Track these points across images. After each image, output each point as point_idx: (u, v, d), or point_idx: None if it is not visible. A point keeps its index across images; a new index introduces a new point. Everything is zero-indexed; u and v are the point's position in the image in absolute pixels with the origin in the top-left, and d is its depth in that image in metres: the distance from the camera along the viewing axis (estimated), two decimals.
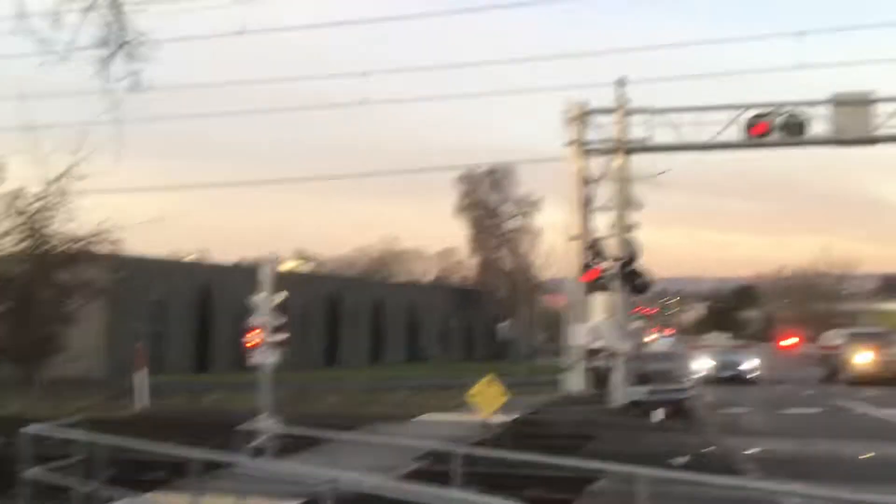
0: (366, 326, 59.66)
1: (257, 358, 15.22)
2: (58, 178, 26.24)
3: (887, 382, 33.24)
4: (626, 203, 23.70)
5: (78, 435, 11.16)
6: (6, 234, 27.09)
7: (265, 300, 15.16)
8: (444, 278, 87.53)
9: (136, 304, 39.26)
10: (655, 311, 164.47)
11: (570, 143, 24.64)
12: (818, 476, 12.36)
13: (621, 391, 21.79)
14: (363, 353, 58.33)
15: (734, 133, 23.68)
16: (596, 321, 24.21)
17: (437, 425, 19.25)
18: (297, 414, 18.80)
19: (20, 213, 27.05)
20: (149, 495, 11.25)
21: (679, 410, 22.17)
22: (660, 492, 8.42)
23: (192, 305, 44.59)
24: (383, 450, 13.46)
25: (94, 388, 27.42)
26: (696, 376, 34.95)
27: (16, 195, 26.96)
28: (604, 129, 24.51)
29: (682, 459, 14.12)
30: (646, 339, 32.92)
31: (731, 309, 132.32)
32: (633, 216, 23.95)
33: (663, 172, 23.49)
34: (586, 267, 23.91)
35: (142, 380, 24.09)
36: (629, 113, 24.10)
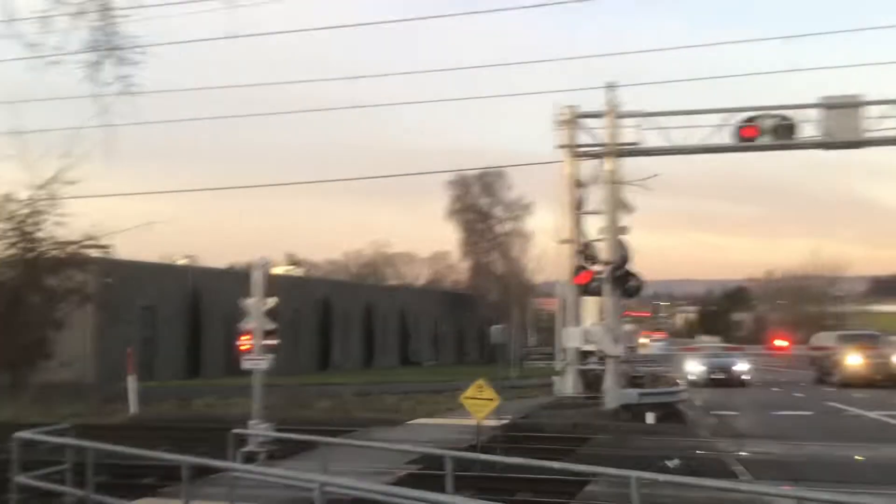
0: (358, 330, 59.57)
1: (249, 363, 15.17)
2: (47, 183, 26.11)
3: (878, 384, 33.39)
4: (617, 206, 23.71)
5: (69, 441, 11.11)
6: None
7: (256, 305, 15.11)
8: (435, 282, 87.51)
9: (127, 309, 39.03)
10: (647, 314, 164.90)
11: (561, 146, 24.64)
12: (810, 478, 12.38)
13: (613, 394, 21.80)
14: (355, 357, 58.24)
15: (724, 136, 23.72)
16: (588, 324, 24.22)
17: (429, 429, 19.23)
18: (289, 419, 18.77)
19: (9, 218, 26.91)
20: (140, 501, 11.20)
21: (671, 413, 22.21)
22: (652, 494, 8.43)
23: (183, 310, 44.43)
24: (376, 454, 13.43)
25: (85, 394, 27.29)
26: (687, 379, 35.04)
27: (5, 200, 26.84)
28: (595, 132, 24.54)
29: (674, 462, 14.14)
30: (638, 343, 32.92)
31: (723, 311, 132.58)
32: (625, 219, 23.95)
33: (654, 176, 23.52)
34: (578, 270, 23.92)
35: (132, 385, 24.00)
36: (620, 116, 24.12)
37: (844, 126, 23.34)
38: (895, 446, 16.59)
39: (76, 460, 10.77)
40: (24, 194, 26.45)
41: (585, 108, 24.90)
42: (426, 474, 12.06)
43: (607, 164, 24.00)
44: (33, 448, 12.05)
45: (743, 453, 15.57)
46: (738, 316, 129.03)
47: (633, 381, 24.38)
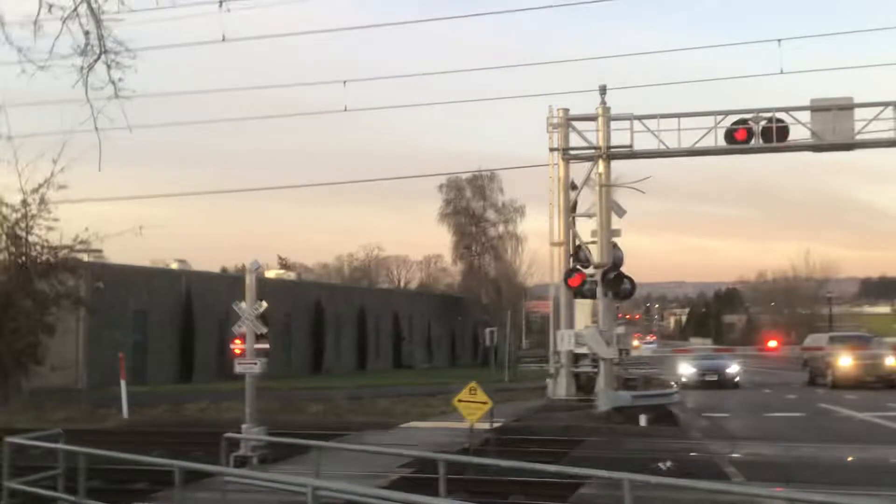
0: (350, 334, 59.50)
1: (241, 367, 15.14)
2: (38, 188, 26.05)
3: (869, 385, 33.51)
4: (609, 209, 23.76)
5: (60, 446, 11.07)
6: None
7: (248, 308, 15.09)
8: (428, 285, 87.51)
9: (118, 313, 38.98)
10: (639, 316, 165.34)
11: (554, 149, 24.69)
12: (802, 479, 12.42)
13: (606, 396, 21.82)
14: (348, 360, 58.16)
15: (716, 139, 23.80)
16: (581, 327, 24.24)
17: (422, 432, 19.23)
18: (281, 423, 18.75)
19: (0, 222, 26.83)
20: None
21: (664, 415, 22.25)
22: (645, 496, 8.44)
23: (175, 314, 44.28)
24: (369, 458, 13.42)
25: (77, 399, 27.22)
26: (679, 381, 35.10)
27: None
28: (587, 135, 24.59)
29: (666, 464, 14.16)
30: (631, 345, 33.03)
31: (714, 314, 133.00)
32: (617, 222, 24.02)
33: (646, 179, 23.56)
34: (570, 273, 23.95)
35: (124, 390, 23.94)
36: (612, 119, 24.18)
37: (835, 128, 23.44)
38: (886, 447, 16.63)
39: (68, 465, 10.74)
40: (15, 199, 26.39)
41: (577, 111, 24.97)
42: (419, 478, 12.06)
43: (599, 167, 24.05)
44: (25, 453, 12.02)
45: (735, 455, 15.60)
46: (729, 318, 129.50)
47: (626, 384, 24.41)
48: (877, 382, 33.91)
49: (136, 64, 8.77)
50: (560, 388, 24.31)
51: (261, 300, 15.19)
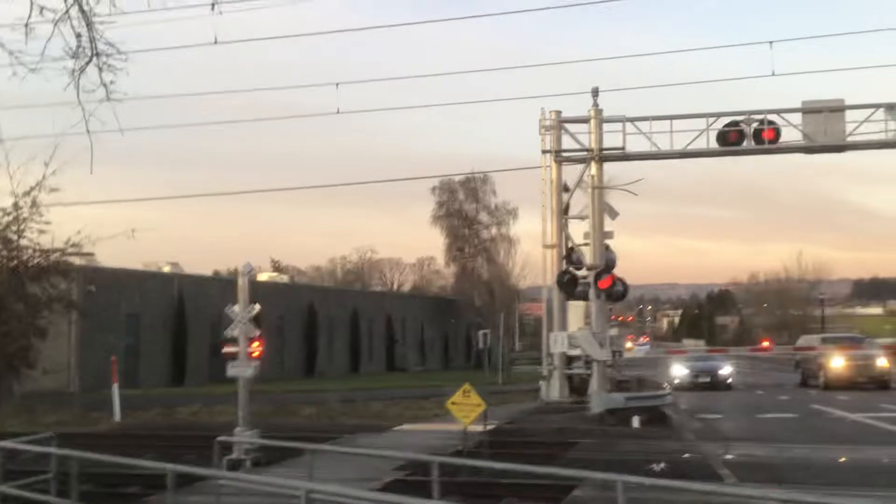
0: (343, 337, 59.44)
1: (234, 370, 15.11)
2: (30, 191, 25.95)
3: (861, 386, 33.61)
4: (602, 211, 23.79)
5: (52, 449, 11.02)
6: None
7: (241, 311, 15.05)
8: (421, 287, 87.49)
9: (110, 317, 38.87)
10: (632, 318, 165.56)
11: (546, 151, 24.72)
12: (795, 480, 12.45)
13: (599, 398, 21.83)
14: (341, 363, 58.10)
15: (708, 141, 23.86)
16: (574, 329, 24.25)
17: (416, 435, 19.21)
18: (274, 426, 18.71)
19: None
20: None
21: (657, 417, 22.27)
22: (639, 498, 8.44)
23: (167, 317, 44.18)
24: (362, 461, 13.40)
25: (69, 402, 27.12)
26: (672, 382, 35.15)
27: None
28: (579, 137, 24.63)
29: (660, 466, 14.18)
30: (623, 347, 33.10)
31: (707, 315, 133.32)
32: (609, 224, 24.04)
33: (639, 180, 23.60)
34: (563, 275, 23.97)
35: (116, 393, 23.87)
36: (604, 121, 24.23)
37: (826, 130, 23.53)
38: (879, 448, 16.68)
39: (60, 469, 10.69)
40: (6, 202, 26.29)
41: (570, 114, 25.01)
42: (413, 480, 12.04)
43: (592, 169, 24.08)
44: (16, 457, 11.96)
45: (728, 456, 15.62)
46: (722, 319, 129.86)
47: (619, 386, 24.44)
48: (869, 383, 34.02)
49: (128, 66, 8.76)
50: (553, 390, 24.32)
51: (253, 303, 15.16)
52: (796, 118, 23.85)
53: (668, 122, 24.07)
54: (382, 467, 13.33)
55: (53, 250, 26.72)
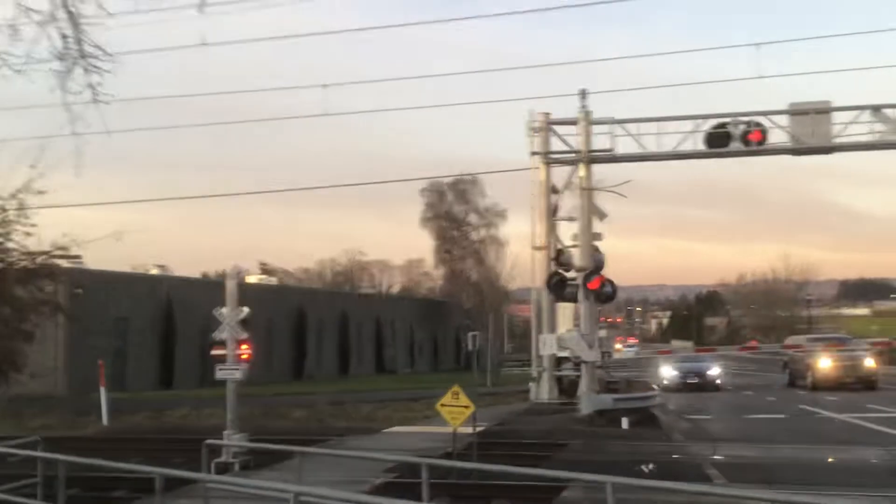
0: (333, 339, 59.32)
1: (222, 373, 15.05)
2: (16, 193, 25.78)
3: (849, 387, 33.77)
4: (590, 213, 23.85)
5: (39, 453, 10.95)
6: None
7: (230, 314, 15.00)
8: (410, 289, 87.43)
9: (98, 320, 38.67)
10: (621, 319, 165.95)
11: (535, 153, 24.76)
12: (784, 480, 12.49)
13: (588, 400, 21.87)
14: (330, 366, 57.97)
15: (696, 143, 23.96)
16: (563, 330, 24.29)
17: (405, 437, 19.19)
18: (263, 429, 18.65)
19: None
20: None
21: (646, 418, 22.32)
22: (628, 499, 8.46)
23: (156, 321, 43.99)
24: (352, 463, 13.37)
25: (56, 406, 26.97)
26: (662, 383, 35.24)
27: None
28: (568, 139, 24.68)
29: (649, 467, 14.20)
30: (612, 348, 33.24)
31: (696, 316, 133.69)
32: (598, 226, 24.12)
33: (627, 182, 23.68)
34: (552, 277, 24.00)
35: (103, 397, 23.75)
36: (593, 123, 24.28)
37: (813, 132, 23.65)
38: (867, 448, 16.75)
39: (47, 473, 10.63)
40: None
41: (558, 115, 25.05)
42: (402, 482, 12.01)
43: (581, 171, 24.13)
44: (3, 461, 11.87)
45: (717, 457, 15.66)
46: (710, 321, 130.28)
47: (608, 387, 24.50)
48: (856, 384, 34.18)
49: (115, 68, 8.71)
50: (543, 391, 24.35)
51: (242, 306, 15.11)
52: (783, 120, 23.97)
53: (656, 123, 24.15)
54: (372, 470, 13.30)
55: (40, 253, 26.54)
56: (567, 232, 24.59)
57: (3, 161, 24.96)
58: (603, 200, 24.32)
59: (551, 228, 24.75)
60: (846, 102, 24.27)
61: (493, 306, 59.52)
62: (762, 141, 23.86)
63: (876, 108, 23.61)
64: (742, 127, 23.76)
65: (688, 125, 23.98)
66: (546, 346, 23.87)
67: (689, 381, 37.58)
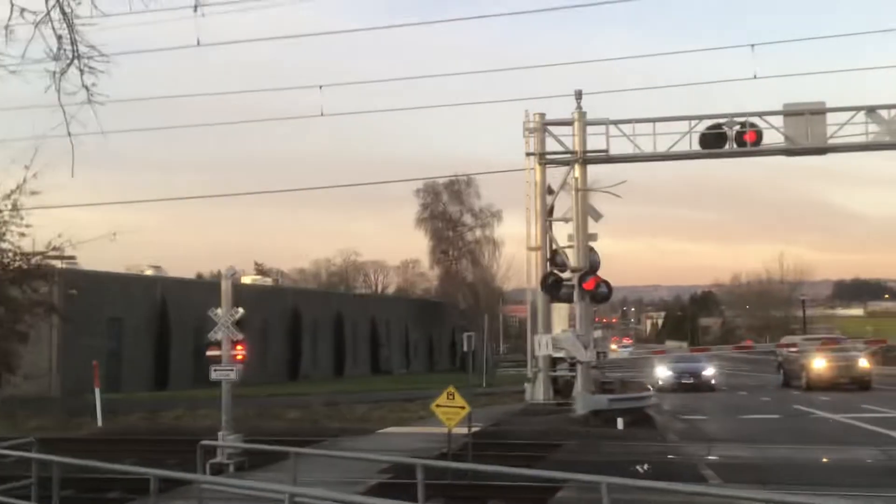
0: (328, 339, 59.26)
1: (217, 374, 15.03)
2: (10, 194, 25.71)
3: (843, 387, 33.86)
4: (585, 213, 23.85)
5: (33, 454, 10.92)
6: None
7: (224, 315, 14.98)
8: (405, 290, 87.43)
9: (92, 320, 38.58)
10: (616, 320, 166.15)
11: (530, 154, 24.77)
12: (778, 481, 12.51)
13: (584, 400, 21.87)
14: (325, 366, 57.92)
15: (690, 143, 23.97)
16: (558, 331, 24.29)
17: (400, 438, 19.18)
18: (258, 429, 18.63)
19: None
20: None
21: (641, 418, 22.34)
22: (623, 499, 8.46)
23: (150, 321, 43.91)
24: (347, 464, 13.36)
25: (50, 407, 26.91)
26: (656, 384, 35.28)
27: None
28: (563, 139, 24.68)
29: (644, 467, 14.22)
30: (608, 348, 33.35)
31: (690, 317, 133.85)
32: (593, 226, 24.11)
33: (622, 182, 23.68)
34: (547, 277, 24.01)
35: (98, 398, 23.71)
36: (587, 124, 24.28)
37: (808, 133, 23.68)
38: (861, 448, 16.79)
39: (41, 475, 10.60)
40: None
41: (554, 116, 25.06)
42: (397, 483, 12.02)
43: (576, 172, 24.14)
44: None
45: (712, 457, 15.69)
46: (705, 321, 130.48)
47: (603, 387, 24.50)
48: (850, 384, 34.27)
49: (110, 69, 8.68)
50: (538, 392, 24.36)
51: (237, 306, 15.09)
52: (778, 121, 23.98)
53: (651, 124, 24.15)
54: (367, 470, 13.30)
55: (34, 254, 26.48)
56: (562, 232, 24.58)
57: None
58: (598, 201, 24.34)
59: (546, 229, 24.75)
60: (841, 103, 24.32)
61: (489, 307, 59.52)
62: (757, 141, 23.88)
63: (870, 109, 23.65)
64: (737, 127, 23.77)
65: (683, 126, 23.98)
66: (541, 346, 23.86)
67: (683, 382, 37.64)
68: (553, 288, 23.82)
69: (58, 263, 28.68)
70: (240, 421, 16.18)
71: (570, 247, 24.02)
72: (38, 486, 10.59)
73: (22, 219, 25.98)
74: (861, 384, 34.25)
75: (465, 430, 14.79)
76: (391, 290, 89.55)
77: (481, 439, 16.66)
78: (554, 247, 24.62)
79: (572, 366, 23.42)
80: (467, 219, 69.92)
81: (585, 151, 24.14)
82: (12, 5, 8.04)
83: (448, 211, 69.88)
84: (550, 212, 24.99)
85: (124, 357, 41.79)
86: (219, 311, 15.00)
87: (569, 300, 23.94)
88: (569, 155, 24.41)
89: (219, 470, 13.71)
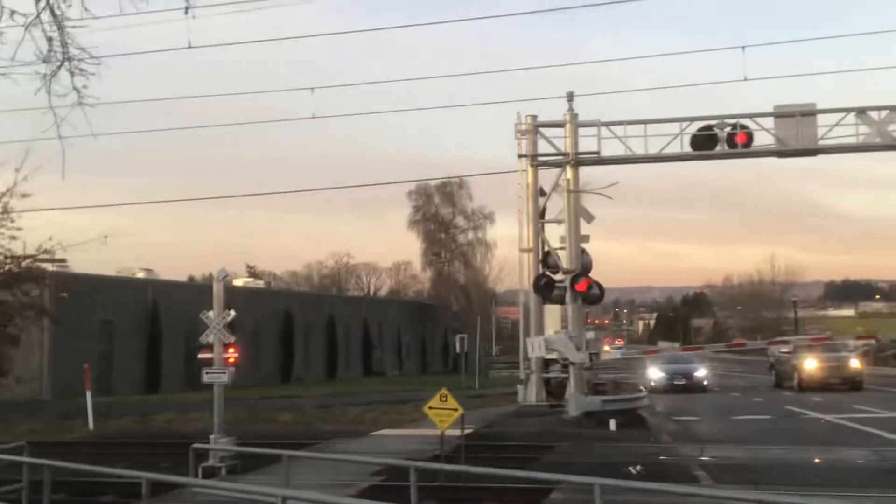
0: (320, 342, 59.17)
1: (209, 376, 14.98)
2: (0, 196, 25.62)
3: (834, 388, 33.96)
4: (577, 215, 23.88)
5: (24, 458, 10.87)
6: None
7: (216, 317, 14.94)
8: (398, 292, 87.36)
9: (83, 323, 38.44)
10: (608, 321, 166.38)
11: (522, 155, 24.79)
12: (770, 481, 12.54)
13: (576, 401, 21.89)
14: (318, 368, 57.81)
15: (682, 145, 24.02)
16: (550, 333, 24.30)
17: (393, 440, 19.16)
18: (250, 432, 18.59)
19: None
20: None
21: (633, 419, 22.36)
22: (616, 500, 8.47)
23: (142, 324, 43.76)
24: (339, 466, 13.34)
25: (41, 411, 26.80)
26: (648, 385, 35.32)
27: None
28: (554, 141, 24.71)
29: (637, 468, 14.23)
30: (600, 349, 33.43)
31: (682, 318, 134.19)
32: (585, 228, 24.14)
33: (614, 184, 23.72)
34: (540, 279, 24.02)
35: (89, 401, 23.62)
36: (579, 126, 24.32)
37: (799, 134, 23.76)
38: (853, 449, 16.84)
39: (33, 478, 10.55)
40: None
41: (545, 118, 25.09)
42: (390, 485, 12.00)
43: (567, 174, 24.17)
44: None
45: (704, 458, 15.71)
46: (697, 322, 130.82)
47: (596, 389, 24.50)
48: (842, 384, 34.38)
49: (101, 71, 8.65)
50: (531, 393, 24.36)
51: (229, 309, 15.06)
52: (769, 122, 24.07)
53: (643, 126, 24.21)
54: (360, 473, 13.29)
55: (25, 256, 26.39)
56: (554, 234, 24.61)
57: None
58: (590, 203, 24.38)
59: (539, 231, 24.77)
60: (831, 105, 24.41)
61: (481, 309, 59.56)
62: (748, 143, 23.95)
63: (860, 111, 23.75)
64: (728, 129, 23.84)
65: (674, 127, 24.04)
66: (534, 348, 23.87)
67: (676, 383, 37.69)
68: (545, 289, 23.84)
69: (49, 266, 28.59)
70: (232, 424, 16.15)
71: (562, 248, 24.06)
72: (30, 489, 10.54)
73: (12, 221, 25.90)
74: (853, 384, 34.37)
75: (457, 432, 14.79)
76: (383, 292, 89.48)
77: (474, 441, 16.66)
78: (546, 248, 24.64)
79: (565, 367, 23.43)
80: (459, 221, 70.03)
81: (577, 153, 24.17)
82: (2, 7, 8.01)
83: (440, 213, 69.94)
84: (542, 213, 25.02)
85: (115, 360, 41.64)
86: (210, 313, 14.96)
87: (561, 302, 23.95)
88: (561, 157, 24.44)
89: (211, 473, 13.67)
